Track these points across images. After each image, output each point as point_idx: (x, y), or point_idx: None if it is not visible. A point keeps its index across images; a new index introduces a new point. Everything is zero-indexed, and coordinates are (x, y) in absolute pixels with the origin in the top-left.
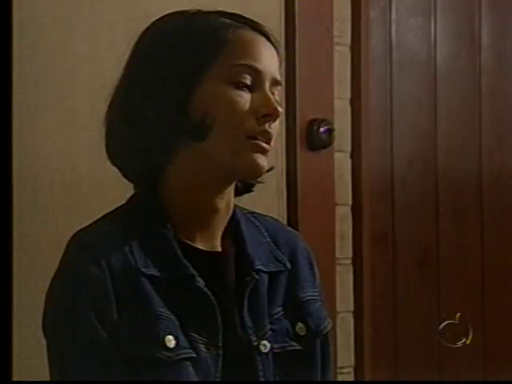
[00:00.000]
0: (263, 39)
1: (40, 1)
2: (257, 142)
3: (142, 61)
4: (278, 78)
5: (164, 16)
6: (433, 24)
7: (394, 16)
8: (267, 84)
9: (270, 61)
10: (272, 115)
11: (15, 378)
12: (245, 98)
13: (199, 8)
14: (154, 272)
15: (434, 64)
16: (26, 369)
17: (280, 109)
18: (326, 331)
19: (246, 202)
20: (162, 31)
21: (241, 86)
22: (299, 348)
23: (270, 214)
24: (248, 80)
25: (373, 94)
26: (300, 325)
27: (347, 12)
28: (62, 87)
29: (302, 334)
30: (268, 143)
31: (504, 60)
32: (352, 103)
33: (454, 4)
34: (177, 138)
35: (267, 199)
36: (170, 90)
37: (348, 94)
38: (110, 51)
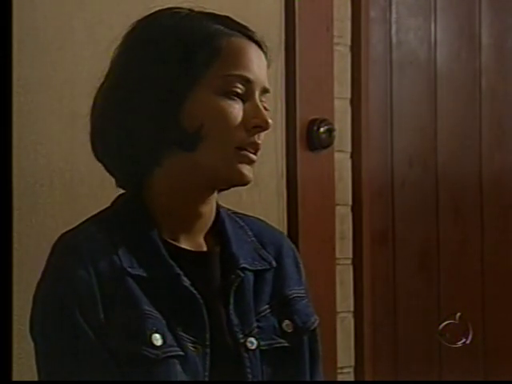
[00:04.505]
0: (254, 46)
1: (40, 1)
2: (245, 152)
3: (130, 62)
4: (267, 86)
5: (152, 14)
6: (433, 24)
7: (394, 16)
8: (257, 94)
9: (260, 69)
10: (262, 127)
11: (15, 378)
12: (237, 109)
13: (190, 7)
14: (140, 272)
15: (433, 64)
16: (26, 369)
17: (270, 121)
18: (312, 327)
19: (246, 202)
20: (152, 32)
21: (233, 96)
22: (286, 345)
23: (270, 215)
24: (240, 90)
25: (373, 94)
26: (287, 322)
27: (347, 12)
28: (62, 87)
29: (289, 330)
30: (255, 154)
31: (504, 60)
32: (352, 103)
33: (453, 4)
34: (166, 146)
35: (267, 200)
36: (160, 97)
37: (348, 94)
38: (110, 51)
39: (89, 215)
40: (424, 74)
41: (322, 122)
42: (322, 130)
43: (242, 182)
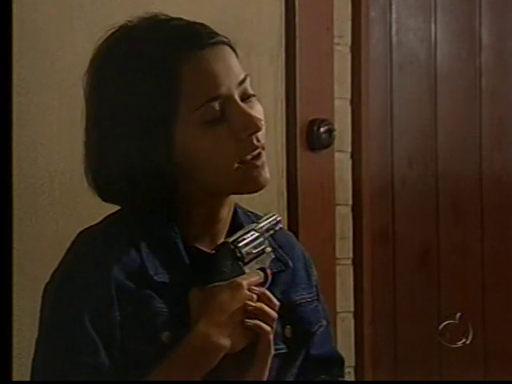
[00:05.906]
0: (213, 50)
1: (40, 1)
2: (249, 162)
3: (107, 105)
4: (243, 76)
5: (107, 49)
6: (433, 24)
7: (394, 16)
8: (236, 94)
9: (228, 71)
10: (256, 131)
11: (15, 378)
12: (221, 131)
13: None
14: (163, 278)
15: (434, 64)
16: (26, 369)
17: (262, 122)
18: (313, 330)
19: (246, 202)
20: (116, 72)
21: (213, 120)
22: (285, 351)
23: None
24: (218, 111)
25: (373, 94)
26: (288, 327)
27: (347, 12)
28: (62, 87)
29: (289, 336)
30: (259, 156)
31: (504, 60)
32: (352, 103)
33: (453, 4)
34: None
35: (267, 199)
36: (150, 146)
37: (348, 94)
38: None
39: (88, 215)
40: (424, 74)
41: (322, 122)
42: (322, 130)
43: (258, 188)
